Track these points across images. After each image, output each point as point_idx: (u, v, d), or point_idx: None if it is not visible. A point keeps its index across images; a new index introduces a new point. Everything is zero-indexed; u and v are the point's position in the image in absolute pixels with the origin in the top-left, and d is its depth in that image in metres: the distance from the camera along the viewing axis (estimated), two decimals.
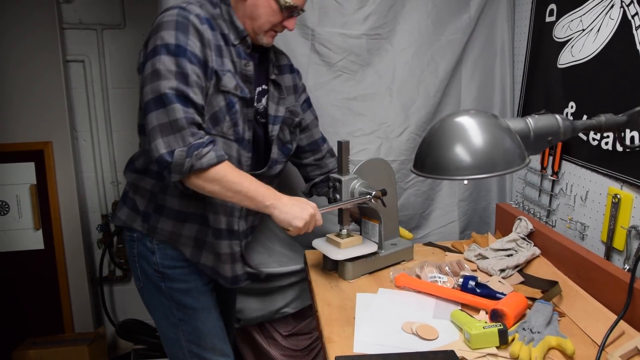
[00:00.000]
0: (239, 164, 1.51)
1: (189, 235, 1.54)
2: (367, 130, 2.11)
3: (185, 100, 1.32)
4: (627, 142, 1.45)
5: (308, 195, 1.87)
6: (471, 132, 0.93)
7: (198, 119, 1.34)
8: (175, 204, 1.51)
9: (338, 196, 1.65)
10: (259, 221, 1.74)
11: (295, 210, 1.43)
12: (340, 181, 1.63)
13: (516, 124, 0.99)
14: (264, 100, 1.61)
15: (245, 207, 1.45)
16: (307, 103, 1.81)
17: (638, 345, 1.19)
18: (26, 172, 2.59)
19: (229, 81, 1.44)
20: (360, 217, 1.86)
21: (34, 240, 2.64)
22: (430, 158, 0.96)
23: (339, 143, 1.65)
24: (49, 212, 2.62)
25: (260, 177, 1.49)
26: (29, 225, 2.63)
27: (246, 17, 1.48)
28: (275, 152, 1.63)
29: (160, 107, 1.31)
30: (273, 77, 1.62)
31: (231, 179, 1.36)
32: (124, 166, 1.64)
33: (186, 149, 1.30)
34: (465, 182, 1.80)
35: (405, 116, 2.12)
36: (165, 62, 1.31)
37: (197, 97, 1.35)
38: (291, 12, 1.50)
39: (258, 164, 1.61)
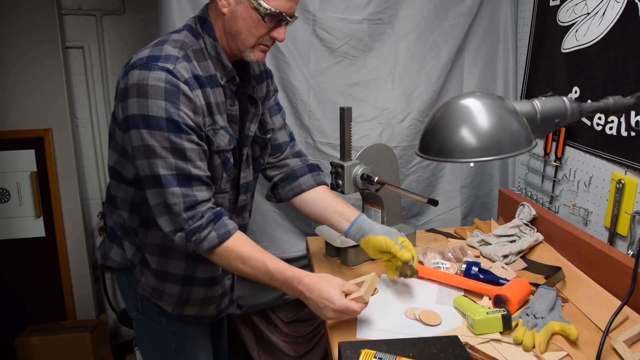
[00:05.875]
0: (232, 205, 1.47)
1: (171, 293, 1.43)
2: (369, 116, 2.10)
3: (186, 179, 1.23)
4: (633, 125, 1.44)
5: (274, 200, 1.66)
6: (477, 114, 0.92)
7: (201, 195, 1.25)
8: (154, 262, 1.40)
9: (340, 182, 1.64)
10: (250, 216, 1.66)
11: (317, 310, 1.30)
12: (342, 167, 1.61)
13: (523, 106, 0.97)
14: (252, 127, 1.45)
15: (269, 285, 1.32)
16: (277, 106, 1.61)
17: None
18: (26, 159, 2.58)
19: (222, 139, 1.32)
20: (362, 203, 1.85)
21: (35, 228, 2.64)
22: (436, 141, 0.94)
23: (341, 109, 1.62)
24: (49, 199, 2.61)
25: (239, 207, 1.49)
26: (30, 212, 2.62)
27: (226, 34, 1.30)
28: (245, 176, 1.47)
29: (157, 187, 1.22)
30: (249, 91, 1.44)
31: (238, 259, 1.28)
32: (105, 198, 1.51)
33: (184, 235, 1.24)
34: (472, 165, 1.78)
35: (407, 102, 2.10)
36: (157, 137, 1.19)
37: (198, 170, 1.24)
38: (277, 20, 1.28)
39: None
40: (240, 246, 1.29)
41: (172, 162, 1.21)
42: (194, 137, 1.23)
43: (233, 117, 1.37)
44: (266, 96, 1.54)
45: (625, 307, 1.27)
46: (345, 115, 1.61)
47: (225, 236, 1.27)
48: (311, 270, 1.76)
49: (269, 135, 1.55)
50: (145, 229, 1.37)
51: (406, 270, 1.44)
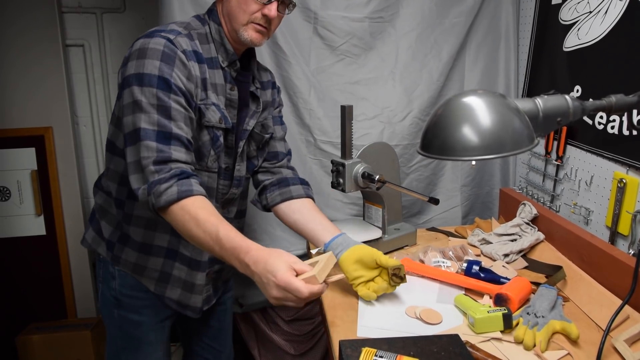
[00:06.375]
0: (220, 195, 1.47)
1: (153, 269, 1.43)
2: (369, 115, 2.10)
3: (165, 136, 1.22)
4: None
5: (259, 205, 1.64)
6: (479, 112, 0.91)
7: (177, 155, 1.22)
8: (140, 235, 1.41)
9: (341, 180, 1.64)
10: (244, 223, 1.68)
11: (262, 288, 1.11)
12: (343, 165, 1.61)
13: (525, 104, 0.97)
14: (251, 123, 1.49)
15: (220, 257, 1.18)
16: (280, 119, 1.65)
17: None
18: (27, 157, 2.58)
19: (213, 115, 1.34)
20: (363, 202, 1.85)
21: (36, 226, 2.64)
22: (437, 139, 0.94)
23: (342, 107, 1.62)
24: (50, 197, 2.61)
25: (227, 200, 1.49)
26: (31, 211, 2.62)
27: (224, 17, 1.37)
28: (239, 169, 1.49)
29: (133, 143, 1.22)
30: (252, 89, 1.48)
31: (193, 220, 1.17)
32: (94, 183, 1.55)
33: (147, 187, 1.20)
34: (473, 163, 1.77)
35: (408, 100, 2.10)
36: (147, 94, 1.22)
37: (180, 130, 1.24)
38: None
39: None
40: (198, 208, 1.18)
41: (155, 118, 1.22)
42: (182, 100, 1.26)
43: (232, 101, 1.41)
44: (271, 103, 1.60)
45: (626, 306, 1.27)
46: (346, 114, 1.61)
47: (185, 194, 1.18)
48: None
49: (267, 135, 1.57)
50: (133, 200, 1.38)
51: (400, 274, 1.39)
